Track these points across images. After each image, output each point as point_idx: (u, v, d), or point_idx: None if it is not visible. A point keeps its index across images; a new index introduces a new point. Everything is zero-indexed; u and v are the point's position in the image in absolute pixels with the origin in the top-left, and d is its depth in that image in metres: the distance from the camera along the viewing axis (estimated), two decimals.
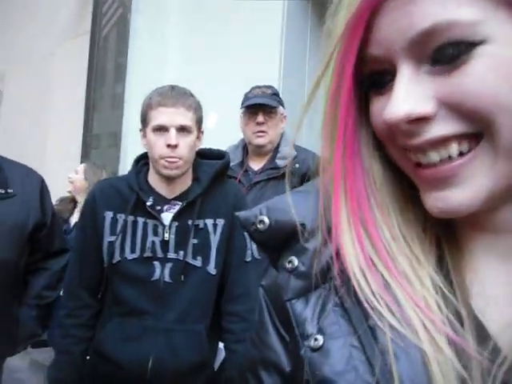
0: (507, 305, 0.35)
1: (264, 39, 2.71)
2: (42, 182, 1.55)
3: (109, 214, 1.33)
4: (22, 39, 3.78)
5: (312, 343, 0.37)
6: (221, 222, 1.33)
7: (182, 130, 1.28)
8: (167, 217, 1.33)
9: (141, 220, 1.32)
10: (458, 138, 0.34)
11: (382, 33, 0.35)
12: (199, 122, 1.34)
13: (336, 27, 0.36)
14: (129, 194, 1.33)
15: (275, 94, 1.93)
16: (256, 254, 1.36)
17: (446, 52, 0.33)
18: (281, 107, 1.92)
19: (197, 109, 1.33)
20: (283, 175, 1.74)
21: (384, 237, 0.38)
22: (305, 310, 0.39)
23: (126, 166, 2.85)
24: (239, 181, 1.87)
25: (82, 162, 3.12)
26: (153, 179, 1.37)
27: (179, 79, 3.14)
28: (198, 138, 1.36)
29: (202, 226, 1.33)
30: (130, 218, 1.32)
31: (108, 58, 3.43)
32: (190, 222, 1.31)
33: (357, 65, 0.36)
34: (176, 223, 1.31)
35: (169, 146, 1.27)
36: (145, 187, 1.35)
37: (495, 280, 0.37)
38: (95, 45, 3.10)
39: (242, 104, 1.91)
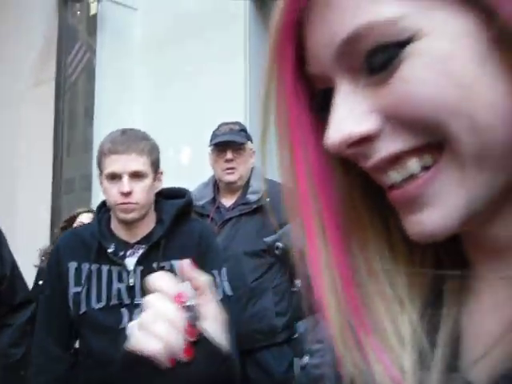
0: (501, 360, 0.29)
1: (230, 76, 2.74)
2: (0, 231, 1.52)
3: (73, 265, 1.31)
4: None
5: None
6: (187, 261, 1.31)
7: (136, 175, 1.28)
8: (131, 262, 1.30)
9: (105, 268, 1.29)
10: (417, 151, 0.30)
11: (312, 48, 0.32)
12: (155, 164, 1.33)
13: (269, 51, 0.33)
14: (91, 242, 1.32)
15: (243, 130, 1.93)
16: (228, 291, 1.34)
17: (376, 59, 0.29)
18: (249, 142, 1.91)
19: (151, 151, 1.32)
20: (255, 210, 1.74)
21: (360, 276, 0.34)
22: None
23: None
24: (211, 218, 1.85)
25: (52, 208, 3.06)
26: (114, 225, 1.36)
27: (149, 118, 3.15)
28: (156, 179, 1.35)
29: (168, 267, 1.29)
30: (95, 267, 1.29)
31: (78, 102, 3.43)
32: (155, 265, 1.29)
33: (302, 85, 0.33)
34: (141, 267, 1.29)
35: (122, 193, 1.26)
36: (106, 234, 1.33)
37: (494, 323, 0.31)
38: (61, 89, 3.09)
39: (211, 142, 1.91)
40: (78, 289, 1.28)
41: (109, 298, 1.28)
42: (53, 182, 3.07)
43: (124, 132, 1.32)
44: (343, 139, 0.30)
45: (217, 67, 2.82)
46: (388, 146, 0.30)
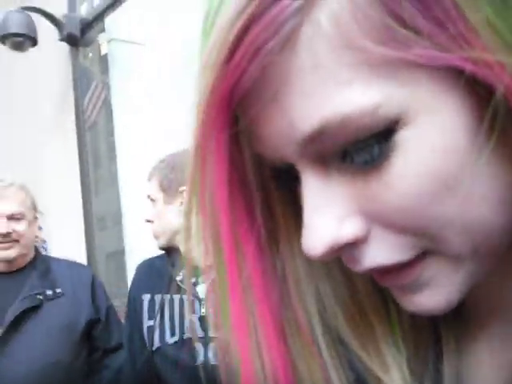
0: None
1: None
2: (93, 276, 1.58)
3: (147, 297, 1.24)
4: (10, 142, 3.88)
5: None
6: None
7: None
8: (204, 289, 1.17)
9: (177, 298, 1.21)
10: (406, 264, 0.26)
11: (264, 134, 0.25)
12: None
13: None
14: (167, 270, 1.25)
15: None
16: None
17: (352, 156, 0.24)
18: None
19: None
20: None
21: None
22: None
23: (131, 243, 2.84)
24: None
25: (87, 247, 3.11)
26: None
27: (170, 147, 3.19)
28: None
29: None
30: (167, 298, 1.21)
31: (99, 140, 3.51)
32: None
33: (236, 165, 0.28)
34: None
35: None
36: (176, 261, 1.25)
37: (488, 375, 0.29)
38: (82, 131, 3.17)
39: None
40: (151, 322, 1.21)
41: (182, 332, 1.18)
42: (85, 222, 3.13)
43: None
44: (328, 249, 0.25)
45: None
46: (375, 257, 0.25)
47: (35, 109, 3.51)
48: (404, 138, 0.23)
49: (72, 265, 1.66)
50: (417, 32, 0.21)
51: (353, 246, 0.25)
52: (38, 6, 3.01)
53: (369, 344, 0.31)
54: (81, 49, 3.29)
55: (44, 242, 2.73)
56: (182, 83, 3.14)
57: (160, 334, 1.20)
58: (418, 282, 0.26)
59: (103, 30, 3.26)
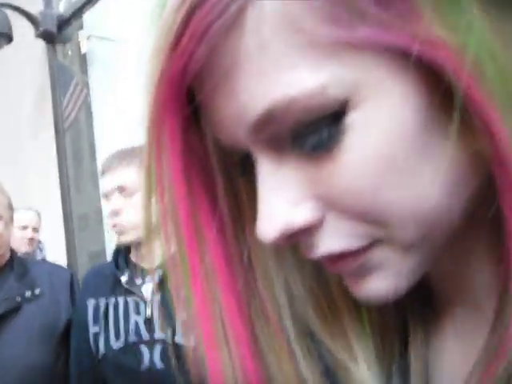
0: None
1: None
2: (72, 277, 1.55)
3: (91, 302, 1.20)
4: None
5: None
6: None
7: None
8: (148, 289, 1.16)
9: (121, 300, 1.16)
10: (358, 251, 0.25)
11: (216, 117, 0.25)
12: None
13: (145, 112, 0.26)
14: (109, 275, 1.22)
15: None
16: None
17: (303, 139, 0.23)
18: None
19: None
20: None
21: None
22: None
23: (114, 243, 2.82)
24: None
25: (67, 247, 3.07)
26: (134, 252, 1.24)
27: None
28: None
29: None
30: (111, 301, 1.17)
31: (80, 139, 3.48)
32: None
33: (195, 154, 0.27)
34: (159, 296, 1.12)
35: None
36: (122, 263, 1.22)
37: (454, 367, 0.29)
38: (60, 130, 3.13)
39: None
40: (96, 328, 1.17)
41: (127, 335, 1.14)
42: (64, 222, 3.09)
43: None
44: (279, 232, 0.24)
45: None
46: (329, 244, 0.25)
47: (13, 107, 3.46)
48: (353, 120, 0.22)
49: (50, 266, 1.63)
50: (361, 13, 0.21)
51: (306, 233, 0.25)
52: (13, 2, 2.96)
53: (337, 334, 0.31)
54: (59, 47, 3.24)
55: (39, 242, 2.70)
56: None
57: (105, 340, 1.15)
58: (364, 268, 0.26)
59: (81, 27, 3.22)
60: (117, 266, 1.23)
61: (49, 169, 3.16)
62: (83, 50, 3.38)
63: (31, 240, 2.49)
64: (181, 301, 0.29)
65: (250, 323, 0.30)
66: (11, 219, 1.55)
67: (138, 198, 1.17)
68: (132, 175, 1.17)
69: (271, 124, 0.23)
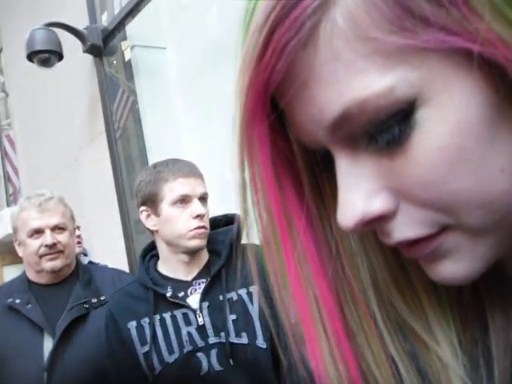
0: None
1: None
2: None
3: (132, 325, 1.20)
4: (45, 155, 3.99)
5: None
6: (255, 289, 1.20)
7: (204, 199, 1.22)
8: (195, 300, 1.20)
9: (167, 315, 1.18)
10: (430, 237, 0.28)
11: (297, 120, 0.29)
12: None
13: (235, 117, 0.29)
14: (145, 294, 1.21)
15: None
16: None
17: (376, 136, 0.26)
18: None
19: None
20: None
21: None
22: None
23: None
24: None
25: (127, 252, 3.19)
26: (167, 267, 1.25)
27: (197, 147, 3.22)
28: None
29: (235, 298, 1.19)
30: (156, 319, 1.18)
31: (130, 146, 3.59)
32: (221, 298, 1.17)
33: (282, 153, 0.31)
34: (206, 303, 1.18)
35: (197, 216, 1.18)
36: (159, 279, 1.24)
37: None
38: (112, 139, 3.24)
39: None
40: (146, 348, 1.18)
41: (181, 346, 1.16)
42: (123, 226, 3.21)
43: (178, 160, 1.26)
44: (357, 220, 0.27)
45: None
46: (403, 231, 0.28)
47: (66, 122, 3.61)
48: (421, 117, 0.25)
49: (113, 271, 1.71)
50: (424, 19, 0.23)
51: (382, 221, 0.28)
52: (61, 20, 3.09)
53: (419, 318, 0.33)
54: (105, 58, 3.36)
55: (80, 246, 2.80)
56: (203, 82, 3.15)
57: (158, 357, 1.17)
58: (437, 253, 0.28)
59: (125, 38, 3.32)
60: (153, 282, 1.23)
61: (104, 178, 3.28)
62: (127, 59, 3.49)
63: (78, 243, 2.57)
64: (278, 284, 0.32)
65: (341, 304, 0.33)
66: (74, 230, 1.64)
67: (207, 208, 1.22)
68: (205, 187, 1.24)
69: (346, 124, 0.26)
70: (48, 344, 1.42)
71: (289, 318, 0.32)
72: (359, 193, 0.27)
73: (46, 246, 1.50)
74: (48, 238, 1.50)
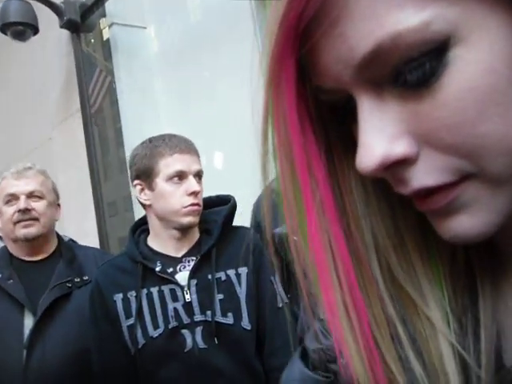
0: None
1: (247, 79, 2.72)
2: None
3: (119, 297, 1.20)
4: (17, 132, 3.89)
5: None
6: (244, 270, 1.21)
7: (199, 176, 1.23)
8: (183, 276, 1.20)
9: (155, 290, 1.18)
10: (450, 185, 0.27)
11: (322, 63, 0.28)
12: None
13: (263, 59, 0.29)
14: (133, 267, 1.21)
15: None
16: (284, 298, 1.24)
17: (406, 74, 0.25)
18: None
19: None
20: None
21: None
22: None
23: None
24: None
25: (99, 234, 3.14)
26: (158, 242, 1.25)
27: (175, 130, 3.19)
28: None
29: (224, 278, 1.19)
30: (143, 292, 1.18)
31: (106, 127, 3.52)
32: (209, 277, 1.18)
33: (304, 98, 0.30)
34: (195, 281, 1.19)
35: (193, 193, 1.18)
36: (148, 254, 1.24)
37: None
38: (88, 118, 3.17)
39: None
40: (131, 321, 1.18)
41: (166, 322, 1.17)
42: (96, 208, 3.16)
43: (175, 136, 1.26)
44: (380, 163, 0.27)
45: (233, 71, 2.82)
46: (422, 178, 0.27)
47: (41, 98, 3.52)
48: (455, 55, 0.24)
49: (95, 251, 1.68)
50: None
51: (402, 166, 0.27)
52: None
53: (414, 284, 0.33)
54: (82, 35, 3.27)
55: None
56: (183, 65, 3.12)
57: (142, 331, 1.17)
58: (455, 205, 0.27)
59: (104, 15, 3.24)
60: (142, 256, 1.23)
61: (78, 157, 3.22)
62: (105, 38, 3.41)
63: None
64: (294, 230, 0.31)
65: (358, 254, 0.33)
66: (55, 203, 1.59)
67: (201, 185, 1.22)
68: (200, 164, 1.24)
69: (376, 62, 0.26)
70: (28, 321, 1.39)
71: (301, 263, 0.32)
72: (382, 136, 0.27)
73: (19, 211, 1.46)
74: (22, 203, 1.46)
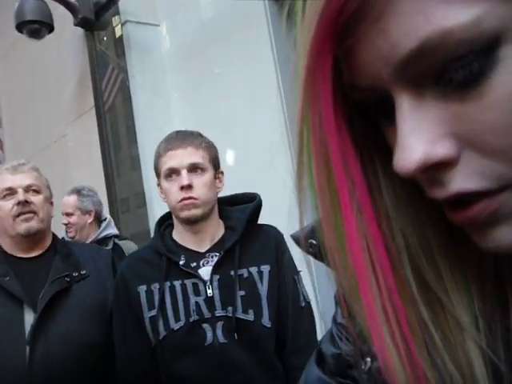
0: None
1: (259, 74, 2.73)
2: (112, 257, 1.59)
3: (142, 288, 1.23)
4: (32, 129, 3.94)
5: None
6: (266, 268, 1.21)
7: (194, 169, 1.22)
8: (206, 271, 1.21)
9: (177, 283, 1.20)
10: (488, 193, 0.26)
11: (361, 60, 0.27)
12: (214, 160, 1.27)
13: (299, 56, 0.27)
14: (158, 260, 1.23)
15: None
16: (307, 297, 1.24)
17: (452, 73, 0.24)
18: None
19: (208, 147, 1.27)
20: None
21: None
22: None
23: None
24: None
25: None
26: (180, 236, 1.28)
27: (187, 126, 3.20)
28: (217, 178, 1.28)
29: (246, 275, 1.20)
30: (166, 285, 1.20)
31: (119, 124, 3.55)
32: (232, 273, 1.19)
33: (339, 97, 0.29)
34: (217, 276, 1.19)
35: (182, 187, 1.20)
36: (173, 247, 1.26)
37: None
38: (101, 115, 3.20)
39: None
40: (153, 312, 1.20)
41: (187, 315, 1.18)
42: (109, 205, 3.19)
43: (178, 132, 1.29)
44: (420, 165, 0.26)
45: (245, 66, 2.83)
46: (461, 182, 0.26)
47: (55, 96, 3.56)
48: (505, 55, 0.23)
49: (90, 247, 1.68)
50: None
51: (441, 168, 0.26)
52: None
53: (443, 287, 0.32)
54: (96, 33, 3.30)
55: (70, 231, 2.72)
56: (195, 61, 3.12)
57: (164, 323, 1.19)
58: (495, 216, 0.26)
59: (117, 13, 3.27)
60: (167, 249, 1.25)
61: (91, 154, 3.25)
62: (118, 35, 3.43)
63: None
64: (331, 233, 0.30)
65: (393, 257, 0.32)
66: (50, 200, 1.58)
67: (206, 178, 1.23)
68: (204, 156, 1.24)
69: (419, 61, 0.25)
70: (29, 317, 1.38)
71: (338, 267, 0.31)
72: (422, 137, 0.26)
73: (19, 203, 1.45)
74: (20, 195, 1.45)
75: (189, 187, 1.21)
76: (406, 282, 0.31)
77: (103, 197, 3.21)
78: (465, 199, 0.27)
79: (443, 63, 0.24)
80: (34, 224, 1.47)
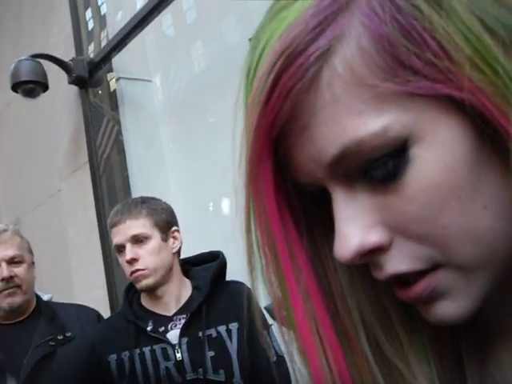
0: None
1: None
2: (99, 316, 1.58)
3: (113, 358, 1.22)
4: (27, 184, 3.96)
5: None
6: (234, 326, 1.21)
7: (137, 240, 1.23)
8: (174, 335, 1.21)
9: (147, 349, 1.20)
10: (423, 272, 0.29)
11: (297, 162, 0.30)
12: (159, 224, 1.26)
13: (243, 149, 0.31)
14: (126, 327, 1.24)
15: None
16: (279, 351, 1.23)
17: (372, 172, 0.28)
18: None
19: (149, 214, 1.26)
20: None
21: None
22: None
23: None
24: None
25: (107, 284, 3.13)
26: (147, 302, 1.29)
27: (182, 176, 3.23)
28: (172, 237, 1.28)
29: (215, 335, 1.20)
30: (136, 352, 1.20)
31: (114, 176, 3.57)
32: (200, 334, 1.18)
33: (282, 189, 0.32)
34: (185, 339, 1.19)
35: (127, 261, 1.22)
36: (141, 313, 1.26)
37: None
38: (95, 169, 3.22)
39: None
40: (124, 382, 1.20)
41: (158, 381, 1.18)
42: (104, 258, 3.16)
43: (124, 203, 1.32)
44: (356, 252, 0.28)
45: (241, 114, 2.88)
46: (395, 265, 0.29)
47: (49, 153, 3.59)
48: (413, 155, 0.27)
49: (76, 306, 1.65)
50: (414, 69, 0.26)
51: (377, 254, 0.29)
52: (47, 51, 3.11)
53: (402, 358, 0.34)
54: (90, 89, 3.37)
55: None
56: (188, 113, 3.18)
57: None
58: (435, 294, 0.29)
59: (111, 70, 3.35)
60: (135, 316, 1.25)
61: (86, 209, 3.25)
62: (112, 89, 3.51)
63: None
64: (282, 319, 0.32)
65: (341, 338, 0.33)
66: (32, 263, 1.58)
67: (151, 245, 1.23)
68: (144, 224, 1.25)
69: (343, 163, 0.28)
70: None
71: (291, 353, 0.33)
72: (356, 226, 0.29)
73: (3, 279, 1.42)
74: (4, 271, 1.43)
75: (133, 260, 1.23)
76: (362, 355, 0.33)
77: (98, 249, 3.18)
78: (404, 280, 0.29)
79: (363, 164, 0.28)
80: (16, 299, 1.45)
